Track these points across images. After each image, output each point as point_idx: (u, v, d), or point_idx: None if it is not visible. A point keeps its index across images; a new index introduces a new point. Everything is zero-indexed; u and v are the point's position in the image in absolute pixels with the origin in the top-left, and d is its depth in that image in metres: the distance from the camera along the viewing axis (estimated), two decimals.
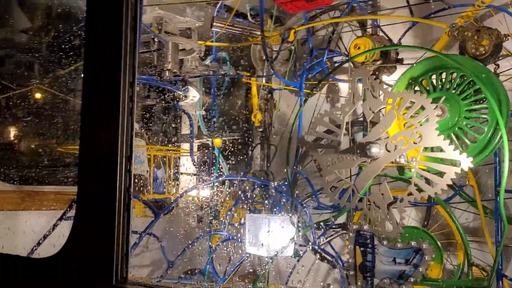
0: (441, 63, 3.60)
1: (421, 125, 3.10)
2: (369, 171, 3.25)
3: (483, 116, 3.59)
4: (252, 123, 5.53)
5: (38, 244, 3.75)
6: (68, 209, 3.67)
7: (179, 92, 4.07)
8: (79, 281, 2.70)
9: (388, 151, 3.20)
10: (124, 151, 2.68)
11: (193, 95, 4.28)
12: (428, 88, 3.71)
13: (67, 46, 4.48)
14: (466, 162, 3.01)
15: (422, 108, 3.14)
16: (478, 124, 3.60)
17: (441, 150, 3.07)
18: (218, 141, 5.43)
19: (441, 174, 3.13)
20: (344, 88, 5.91)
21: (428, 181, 3.19)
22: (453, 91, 3.61)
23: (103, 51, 2.76)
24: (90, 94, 2.82)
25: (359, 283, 3.11)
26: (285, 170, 4.01)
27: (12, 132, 4.84)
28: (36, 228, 4.02)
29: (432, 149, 3.26)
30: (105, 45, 2.73)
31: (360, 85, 3.27)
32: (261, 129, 5.70)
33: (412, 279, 3.03)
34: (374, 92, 3.19)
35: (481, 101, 3.62)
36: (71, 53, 4.35)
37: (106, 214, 2.65)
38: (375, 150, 3.16)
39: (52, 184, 4.51)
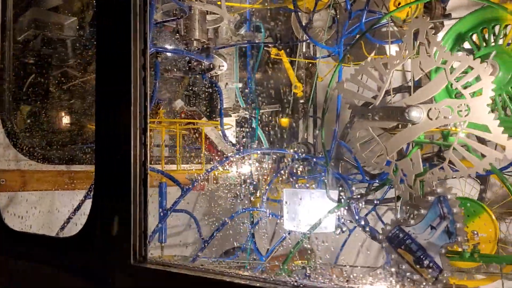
0: (493, 15, 3.22)
1: (472, 96, 2.78)
2: (402, 136, 2.98)
3: None
4: (293, 94, 5.29)
5: (66, 223, 3.73)
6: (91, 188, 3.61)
7: (202, 60, 3.89)
8: (97, 260, 2.62)
9: (430, 118, 2.91)
10: (138, 123, 2.54)
11: (220, 64, 4.09)
12: (478, 44, 3.35)
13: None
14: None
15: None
16: None
17: (487, 130, 2.76)
18: (285, 121, 5.27)
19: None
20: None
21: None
22: (507, 46, 3.23)
23: (113, 17, 2.62)
24: (102, 65, 2.70)
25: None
26: (321, 141, 3.77)
27: (46, 111, 4.86)
28: (71, 208, 4.01)
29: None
30: (114, 10, 2.59)
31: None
32: (302, 101, 5.46)
33: (459, 227, 2.74)
34: (429, 49, 2.88)
35: None
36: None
37: (122, 191, 2.54)
38: (415, 114, 2.88)
39: (85, 163, 4.49)
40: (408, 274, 2.87)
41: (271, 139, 5.09)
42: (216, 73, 4.16)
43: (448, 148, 2.88)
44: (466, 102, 2.80)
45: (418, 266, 2.83)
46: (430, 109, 2.91)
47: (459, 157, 2.88)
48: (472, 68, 2.80)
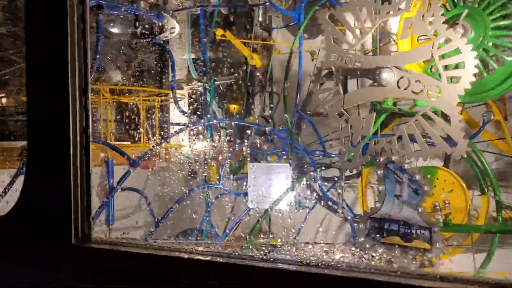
0: None
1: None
2: (362, 93, 2.80)
3: None
4: (249, 66, 5.03)
5: None
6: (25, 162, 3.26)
7: (152, 19, 3.56)
8: (33, 242, 2.30)
9: (398, 86, 2.74)
10: (77, 81, 2.23)
11: (171, 26, 3.77)
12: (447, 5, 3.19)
13: None
14: None
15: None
16: (507, 44, 3.09)
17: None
18: (234, 106, 5.03)
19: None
20: None
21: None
22: (477, 6, 3.08)
23: None
24: (32, 13, 2.35)
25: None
26: (285, 114, 3.56)
27: None
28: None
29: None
30: None
31: None
32: (258, 73, 5.21)
33: (419, 178, 2.64)
34: (427, 13, 2.70)
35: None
36: None
37: (60, 161, 2.22)
38: (385, 76, 2.69)
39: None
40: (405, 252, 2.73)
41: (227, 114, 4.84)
42: (166, 37, 3.85)
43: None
44: (440, 85, 2.66)
45: (408, 242, 2.69)
46: (402, 77, 2.73)
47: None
48: None
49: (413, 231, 2.59)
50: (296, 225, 4.66)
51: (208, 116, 4.51)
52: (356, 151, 2.98)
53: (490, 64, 3.11)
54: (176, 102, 3.86)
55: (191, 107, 4.65)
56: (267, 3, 4.44)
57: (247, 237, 3.40)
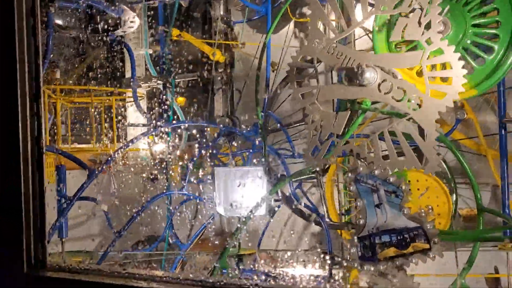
0: None
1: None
2: (339, 89, 2.63)
3: (492, 31, 2.96)
4: (211, 62, 4.78)
5: None
6: None
7: (109, 12, 3.26)
8: None
9: (379, 89, 2.57)
10: (28, 87, 1.96)
11: (131, 19, 3.49)
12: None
13: None
14: None
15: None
16: (487, 42, 2.98)
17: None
18: (181, 100, 4.75)
19: None
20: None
21: None
22: (457, 1, 2.96)
23: None
24: None
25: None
26: (257, 112, 3.35)
27: None
28: None
29: None
30: None
31: None
32: (221, 70, 4.97)
33: (394, 180, 2.51)
34: (424, 18, 2.53)
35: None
36: None
37: (9, 177, 1.95)
38: (368, 75, 2.52)
39: None
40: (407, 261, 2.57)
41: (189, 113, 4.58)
42: (124, 31, 3.55)
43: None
44: (422, 96, 2.51)
45: (405, 249, 2.53)
46: (385, 80, 2.57)
47: None
48: None
49: (406, 235, 2.44)
50: (262, 231, 4.49)
51: (169, 114, 4.25)
52: (323, 147, 2.82)
53: (469, 63, 3.00)
54: (137, 102, 3.59)
55: (153, 108, 4.37)
56: None
57: (216, 262, 3.14)
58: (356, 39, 3.75)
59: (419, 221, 2.54)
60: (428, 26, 2.48)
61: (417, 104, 2.47)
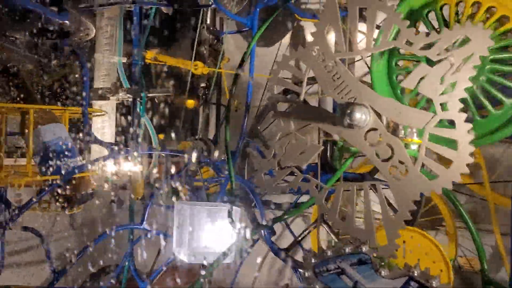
0: None
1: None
2: (318, 114, 2.22)
3: None
4: (192, 76, 4.35)
5: None
6: None
7: (54, 17, 2.81)
8: None
9: (365, 138, 2.14)
10: None
11: (85, 27, 3.04)
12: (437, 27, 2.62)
13: None
14: None
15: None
16: (506, 82, 2.54)
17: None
18: (190, 102, 4.31)
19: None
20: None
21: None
22: None
23: None
24: None
25: None
26: (225, 139, 2.90)
27: None
28: None
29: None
30: None
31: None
32: (203, 84, 4.53)
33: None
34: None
35: None
36: None
37: None
38: (358, 116, 2.08)
39: None
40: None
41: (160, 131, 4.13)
42: (80, 39, 3.10)
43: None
44: (410, 167, 2.06)
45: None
46: (376, 130, 2.13)
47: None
48: None
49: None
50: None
51: (139, 131, 3.80)
52: (278, 175, 2.41)
53: (484, 105, 2.56)
54: (86, 128, 3.13)
55: (123, 125, 3.91)
56: (212, 5, 3.76)
57: None
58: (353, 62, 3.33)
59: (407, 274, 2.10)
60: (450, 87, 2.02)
61: (400, 172, 2.03)
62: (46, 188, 2.86)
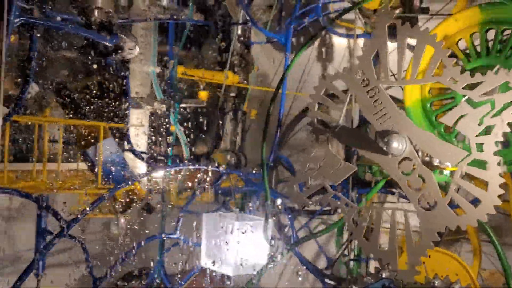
0: (495, 16, 2.53)
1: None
2: (359, 139, 2.25)
3: None
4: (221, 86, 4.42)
5: None
6: None
7: (104, 42, 2.93)
8: None
9: (398, 167, 2.19)
10: None
11: (129, 47, 3.15)
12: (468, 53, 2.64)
13: None
14: None
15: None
16: None
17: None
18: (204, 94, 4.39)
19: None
20: (340, 43, 4.85)
21: None
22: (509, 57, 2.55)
23: None
24: None
25: None
26: (261, 157, 2.97)
27: None
28: None
29: None
30: None
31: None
32: (233, 94, 4.62)
33: None
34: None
35: None
36: None
37: None
38: (395, 145, 2.13)
39: None
40: None
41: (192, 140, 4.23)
42: (123, 56, 3.22)
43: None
44: (439, 200, 2.12)
45: None
46: (410, 160, 2.17)
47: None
48: None
49: None
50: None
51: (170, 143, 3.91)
52: (310, 188, 2.46)
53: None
54: (129, 141, 3.26)
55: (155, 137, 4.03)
56: (248, 24, 3.84)
57: None
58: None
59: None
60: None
61: (428, 204, 2.08)
62: (105, 196, 3.02)
